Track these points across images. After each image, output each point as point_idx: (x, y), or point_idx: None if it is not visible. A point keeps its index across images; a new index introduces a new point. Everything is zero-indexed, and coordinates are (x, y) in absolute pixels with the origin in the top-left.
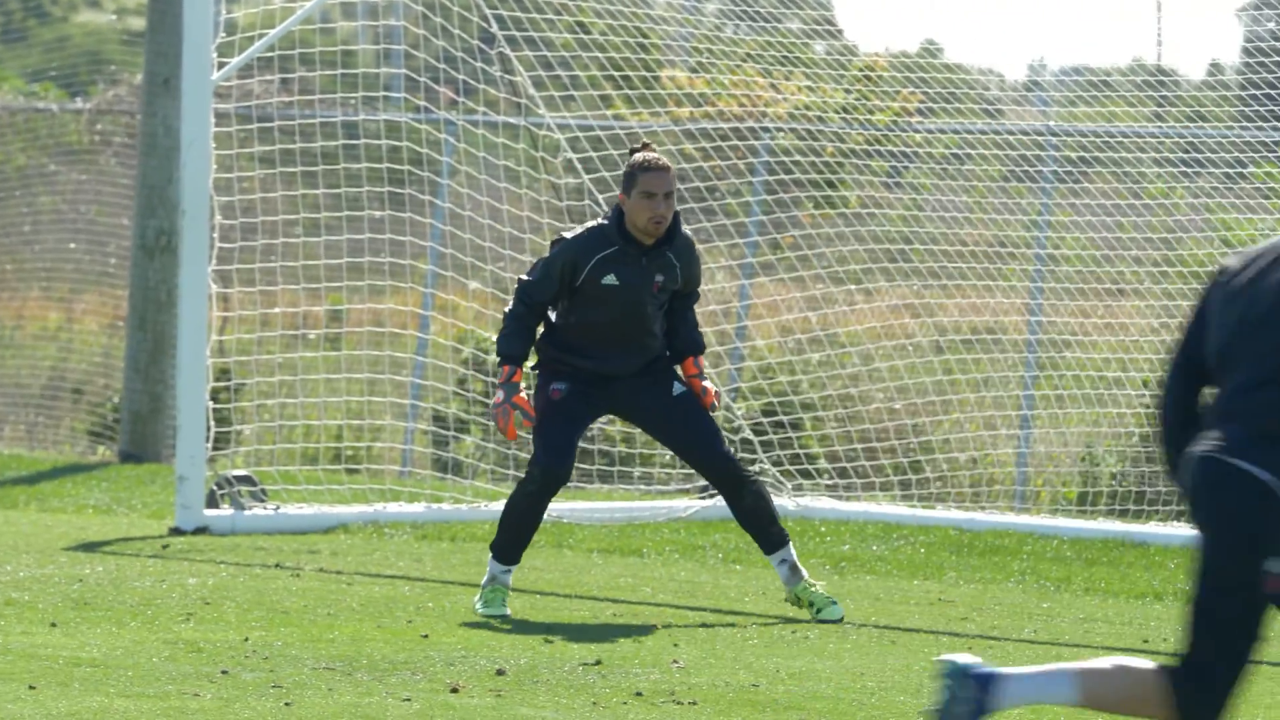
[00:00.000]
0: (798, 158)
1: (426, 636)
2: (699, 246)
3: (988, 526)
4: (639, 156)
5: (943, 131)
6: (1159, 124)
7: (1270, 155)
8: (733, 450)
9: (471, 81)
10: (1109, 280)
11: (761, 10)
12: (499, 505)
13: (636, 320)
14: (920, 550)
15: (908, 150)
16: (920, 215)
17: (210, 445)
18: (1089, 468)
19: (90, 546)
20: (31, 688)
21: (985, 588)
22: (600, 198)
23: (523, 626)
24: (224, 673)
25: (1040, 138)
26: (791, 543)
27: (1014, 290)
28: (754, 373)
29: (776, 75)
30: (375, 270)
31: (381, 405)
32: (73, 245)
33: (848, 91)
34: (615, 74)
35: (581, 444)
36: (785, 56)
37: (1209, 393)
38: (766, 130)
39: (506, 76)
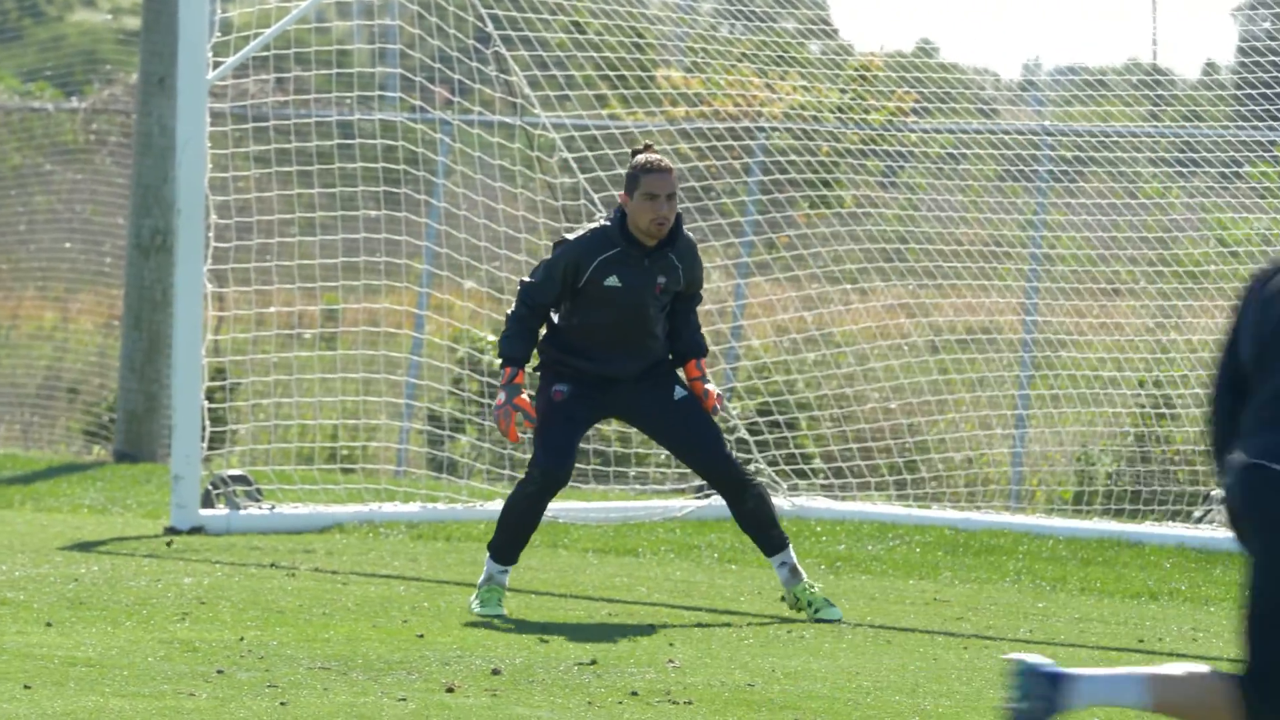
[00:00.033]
0: (793, 157)
1: (422, 636)
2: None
3: (983, 526)
4: (641, 158)
5: (938, 131)
6: (1154, 124)
7: (1265, 155)
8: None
9: (467, 81)
10: (1104, 280)
11: (757, 10)
12: (494, 505)
13: (639, 322)
14: (915, 550)
15: (903, 150)
16: (915, 215)
17: (205, 445)
18: (1084, 467)
19: (85, 546)
20: (27, 687)
21: (980, 587)
22: (596, 197)
23: (518, 626)
24: (219, 672)
25: (1035, 137)
26: (791, 545)
27: (1009, 290)
28: (749, 372)
29: (772, 75)
30: (370, 270)
31: (377, 405)
32: (68, 245)
33: (843, 91)
34: (610, 73)
35: None
36: (780, 56)
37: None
38: (762, 130)
39: (502, 76)
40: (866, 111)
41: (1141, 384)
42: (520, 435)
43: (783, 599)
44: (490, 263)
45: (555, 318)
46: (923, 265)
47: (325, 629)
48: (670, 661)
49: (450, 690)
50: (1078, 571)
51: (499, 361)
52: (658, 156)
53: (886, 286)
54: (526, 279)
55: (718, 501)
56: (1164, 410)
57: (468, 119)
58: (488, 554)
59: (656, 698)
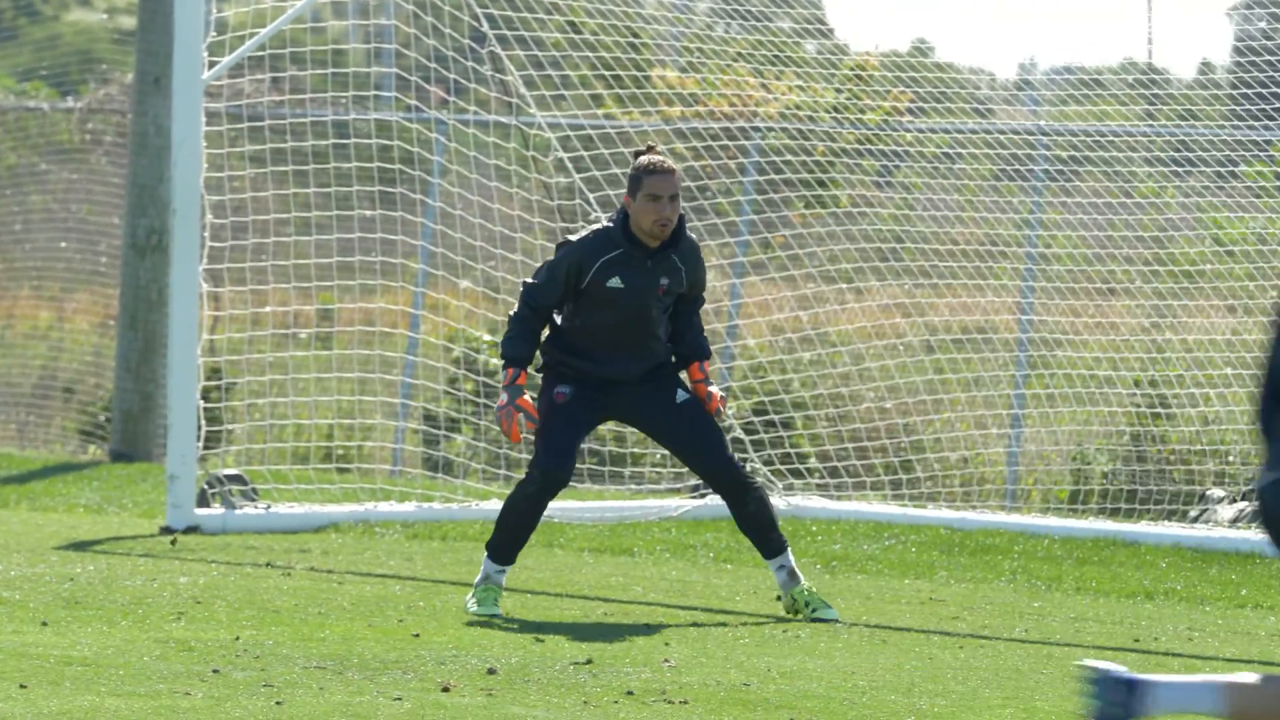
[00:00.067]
0: (789, 157)
1: (418, 635)
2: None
3: (979, 526)
4: (644, 159)
5: (933, 131)
6: (1150, 123)
7: (1261, 154)
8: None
9: (462, 81)
10: (1100, 279)
11: (752, 9)
12: (489, 504)
13: (641, 323)
14: (911, 549)
15: (898, 149)
16: (911, 215)
17: (201, 444)
18: (1080, 467)
19: (81, 545)
20: (23, 686)
21: (976, 587)
22: (591, 197)
23: (514, 626)
24: (215, 672)
25: (1031, 137)
26: (790, 549)
27: (1005, 289)
28: (745, 372)
29: (767, 74)
30: (366, 269)
31: (372, 404)
32: (64, 244)
33: (838, 91)
34: (606, 73)
35: None
36: (776, 56)
37: None
38: (757, 129)
39: (497, 75)
40: (862, 111)
41: (1137, 383)
42: (522, 436)
43: (779, 599)
44: (486, 262)
45: (558, 319)
46: (918, 265)
47: (321, 628)
48: (666, 661)
49: (446, 690)
50: (1073, 571)
51: (501, 362)
52: (660, 157)
53: (882, 286)
54: (529, 280)
55: (713, 501)
56: (1159, 410)
57: (463, 118)
58: (485, 553)
59: (652, 697)
